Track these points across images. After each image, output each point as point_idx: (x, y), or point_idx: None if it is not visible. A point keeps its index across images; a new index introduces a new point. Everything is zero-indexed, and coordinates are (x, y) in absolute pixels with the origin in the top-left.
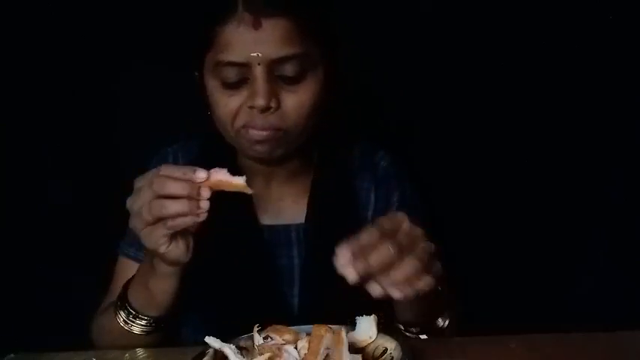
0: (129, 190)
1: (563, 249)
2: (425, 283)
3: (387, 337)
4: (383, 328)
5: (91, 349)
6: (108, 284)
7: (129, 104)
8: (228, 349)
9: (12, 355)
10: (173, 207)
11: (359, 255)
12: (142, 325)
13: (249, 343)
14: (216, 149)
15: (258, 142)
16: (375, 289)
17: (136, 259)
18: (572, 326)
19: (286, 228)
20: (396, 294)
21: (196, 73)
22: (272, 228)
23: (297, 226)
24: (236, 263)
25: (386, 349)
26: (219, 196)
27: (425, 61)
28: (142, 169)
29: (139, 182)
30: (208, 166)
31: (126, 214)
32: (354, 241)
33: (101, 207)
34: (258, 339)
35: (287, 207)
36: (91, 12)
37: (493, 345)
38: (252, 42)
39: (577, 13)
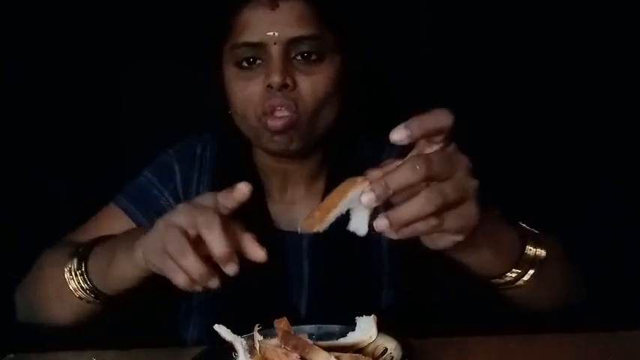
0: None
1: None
2: (454, 224)
3: (387, 337)
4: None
5: (90, 349)
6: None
7: (144, 101)
8: (239, 344)
9: (12, 355)
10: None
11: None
12: (84, 290)
13: (249, 342)
14: (233, 148)
15: (277, 132)
16: (380, 224)
17: (126, 210)
18: (572, 326)
19: (298, 235)
20: (392, 235)
21: (217, 71)
22: (285, 234)
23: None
24: (248, 267)
25: (386, 349)
26: None
27: (432, 59)
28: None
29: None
30: (226, 165)
31: None
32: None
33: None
34: (258, 338)
35: (300, 212)
36: (102, 9)
37: (493, 345)
38: (268, 22)
39: (577, 13)
